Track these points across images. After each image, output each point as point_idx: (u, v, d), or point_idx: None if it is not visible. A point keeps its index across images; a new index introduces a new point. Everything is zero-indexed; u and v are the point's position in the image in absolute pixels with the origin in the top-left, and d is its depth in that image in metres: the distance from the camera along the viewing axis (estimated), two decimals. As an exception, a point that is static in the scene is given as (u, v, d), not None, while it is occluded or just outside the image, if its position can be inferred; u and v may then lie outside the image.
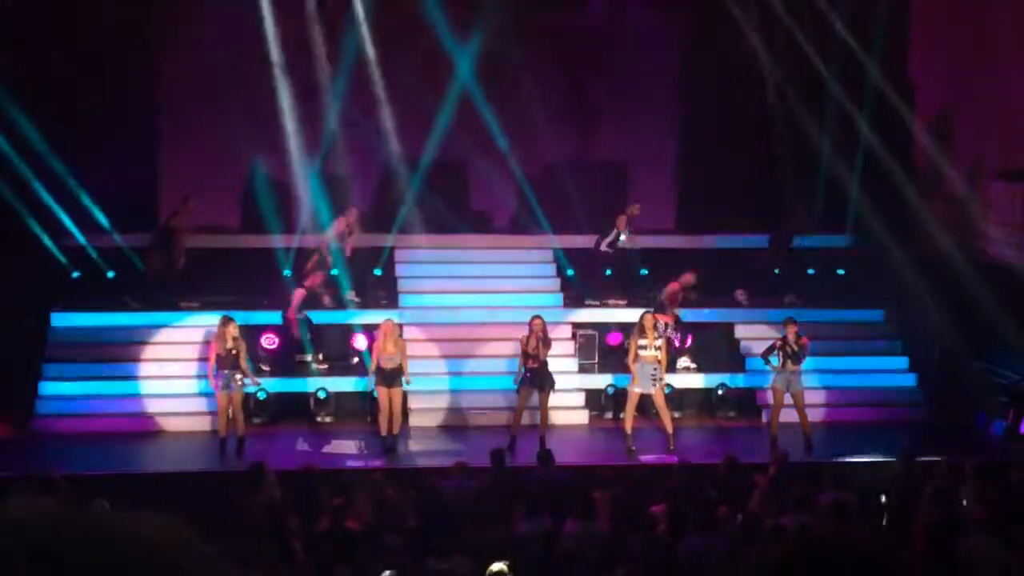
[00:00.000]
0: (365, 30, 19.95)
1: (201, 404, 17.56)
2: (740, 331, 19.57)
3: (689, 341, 18.83)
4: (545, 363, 16.77)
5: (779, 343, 16.89)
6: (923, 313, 18.94)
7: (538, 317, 16.87)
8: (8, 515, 1.43)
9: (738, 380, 18.74)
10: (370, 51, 20.01)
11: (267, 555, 10.61)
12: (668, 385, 17.40)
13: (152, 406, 17.75)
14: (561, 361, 18.26)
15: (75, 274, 19.07)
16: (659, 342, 16.63)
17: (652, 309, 17.61)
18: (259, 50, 19.79)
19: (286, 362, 18.36)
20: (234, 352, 16.18)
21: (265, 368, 17.90)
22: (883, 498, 13.76)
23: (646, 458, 16.33)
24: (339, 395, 18.02)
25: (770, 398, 17.24)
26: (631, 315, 18.13)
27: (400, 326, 17.61)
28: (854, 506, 12.48)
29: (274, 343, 18.30)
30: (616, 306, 19.47)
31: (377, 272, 19.80)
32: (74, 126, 19.14)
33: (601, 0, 21.68)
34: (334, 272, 19.05)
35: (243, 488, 13.06)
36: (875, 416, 18.38)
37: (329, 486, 13.19)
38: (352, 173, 20.56)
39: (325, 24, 20.00)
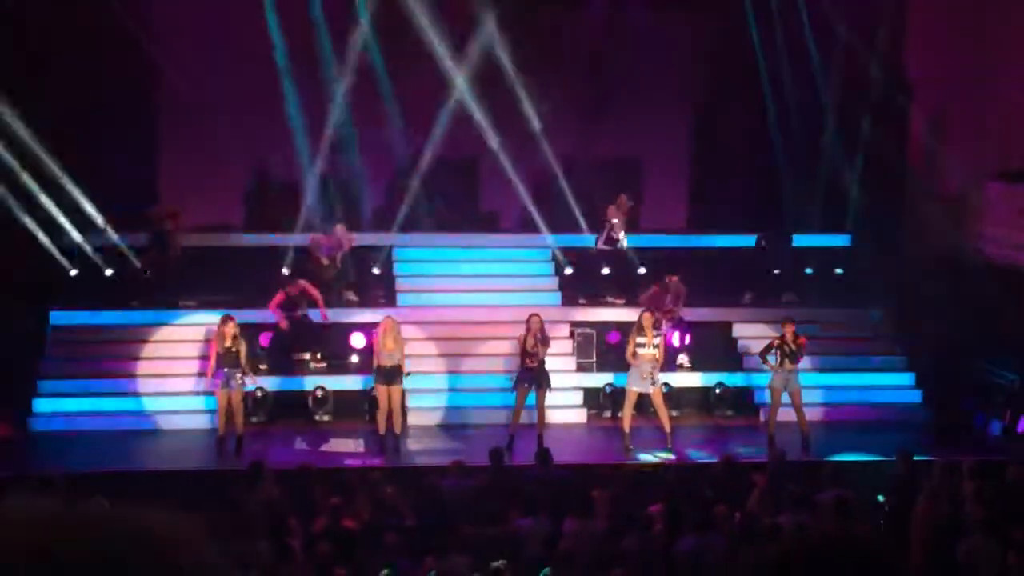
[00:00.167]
0: (367, 30, 19.95)
1: (200, 402, 17.55)
2: (738, 330, 19.58)
3: (688, 339, 18.83)
4: (543, 362, 16.78)
5: (777, 342, 16.90)
6: (921, 313, 18.94)
7: (536, 315, 16.87)
8: (8, 515, 1.43)
9: (736, 379, 18.75)
10: (372, 51, 20.00)
11: (265, 554, 10.61)
12: (666, 384, 17.42)
13: (151, 404, 17.75)
14: (559, 360, 18.27)
15: (73, 272, 19.06)
16: (658, 340, 16.63)
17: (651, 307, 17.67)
18: (259, 50, 19.76)
19: (284, 361, 18.35)
20: (234, 351, 16.18)
21: (262, 366, 17.88)
22: (880, 498, 13.78)
23: (644, 457, 16.34)
24: (337, 394, 18.01)
25: (768, 397, 17.25)
26: (630, 314, 18.15)
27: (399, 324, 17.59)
28: (854, 503, 12.50)
29: (269, 341, 18.30)
30: (614, 305, 19.47)
31: (375, 271, 19.79)
32: (73, 125, 19.12)
33: None
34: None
35: (242, 487, 13.08)
36: (873, 415, 18.38)
37: (327, 485, 13.18)
38: (352, 173, 20.55)
39: (328, 23, 20.00)
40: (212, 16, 20.02)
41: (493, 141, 20.03)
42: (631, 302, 19.04)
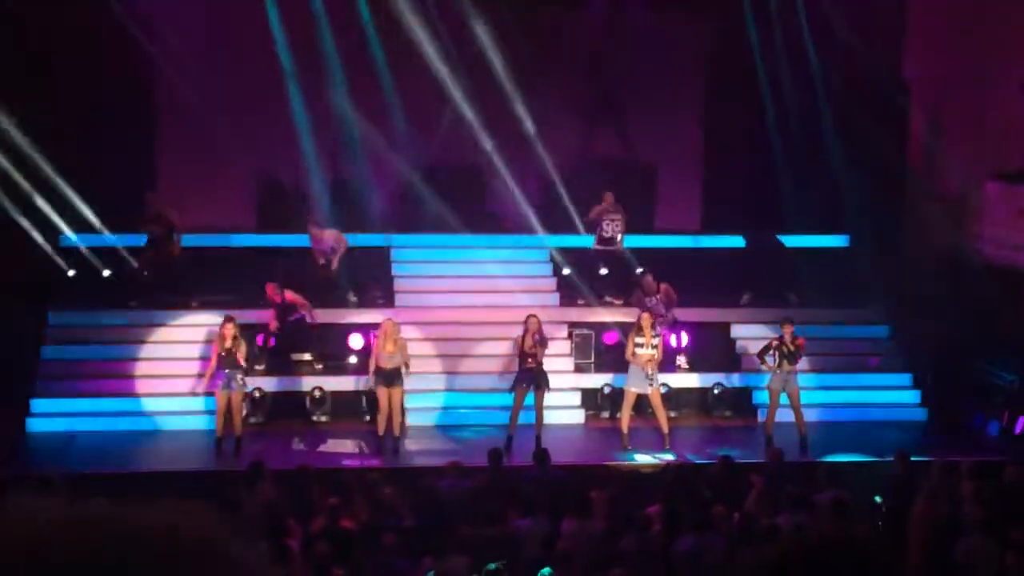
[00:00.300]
0: (369, 30, 19.96)
1: (199, 403, 17.54)
2: (736, 331, 19.59)
3: (686, 341, 18.83)
4: (541, 362, 16.78)
5: (775, 343, 16.90)
6: (920, 313, 18.94)
7: (534, 316, 16.88)
8: (9, 515, 1.43)
9: (734, 380, 18.76)
10: (373, 51, 20.01)
11: (264, 555, 10.59)
12: (664, 385, 17.42)
13: (149, 405, 17.74)
14: (557, 361, 18.27)
15: (71, 273, 19.06)
16: (656, 341, 16.65)
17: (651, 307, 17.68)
18: (259, 50, 19.76)
19: (282, 361, 18.35)
20: (234, 352, 16.18)
21: (259, 367, 17.87)
22: (878, 498, 13.79)
23: (642, 458, 16.35)
24: (335, 394, 18.01)
25: (766, 398, 17.26)
26: (628, 315, 18.18)
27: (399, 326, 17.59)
28: (852, 504, 12.51)
29: (270, 341, 18.29)
30: (613, 305, 19.47)
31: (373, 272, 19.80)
32: (73, 125, 19.12)
33: None
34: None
35: (241, 487, 13.08)
36: (871, 416, 18.39)
37: (325, 485, 13.18)
38: (351, 172, 20.55)
39: (329, 22, 20.00)
40: (212, 16, 20.01)
41: (492, 141, 20.02)
42: (628, 303, 19.05)
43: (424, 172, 20.32)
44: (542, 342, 16.73)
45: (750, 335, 19.18)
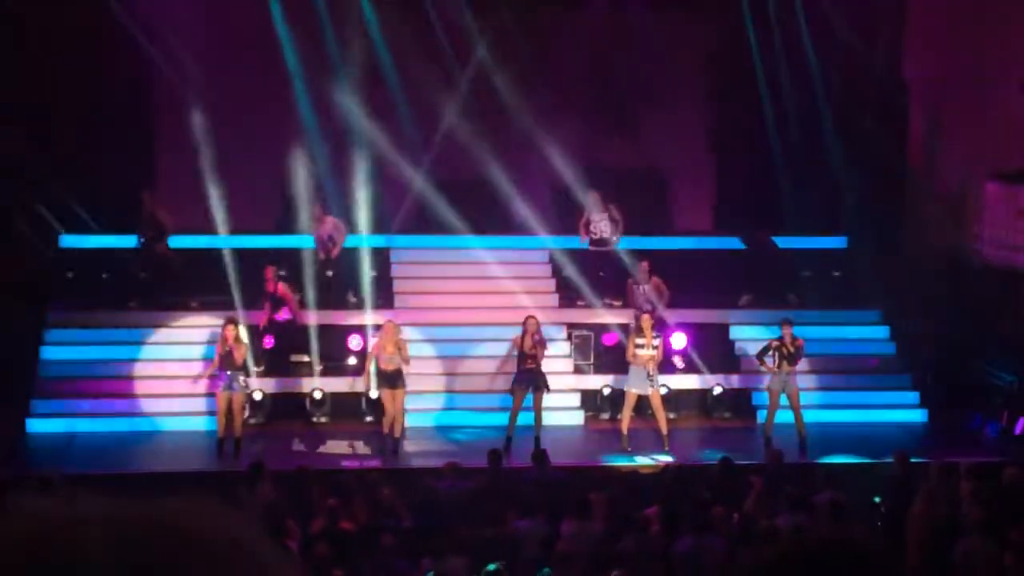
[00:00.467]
0: (372, 32, 19.97)
1: (199, 404, 17.53)
2: (736, 332, 19.58)
3: (686, 341, 18.81)
4: (540, 363, 16.78)
5: (775, 344, 16.90)
6: (919, 313, 18.95)
7: (532, 317, 16.88)
8: (11, 514, 1.43)
9: (733, 381, 18.75)
10: (374, 49, 20.02)
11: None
12: (664, 386, 17.41)
13: (149, 406, 17.73)
14: (556, 362, 18.26)
15: (70, 274, 19.05)
16: (656, 342, 16.65)
17: (651, 308, 17.69)
18: (259, 50, 19.76)
19: (282, 362, 18.34)
20: (235, 354, 16.17)
21: (257, 368, 17.86)
22: (877, 499, 13.79)
23: (641, 459, 16.35)
24: (335, 395, 18.00)
25: (766, 399, 17.25)
26: (628, 316, 18.18)
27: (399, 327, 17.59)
28: (850, 505, 12.52)
29: (271, 343, 18.28)
30: (612, 306, 19.45)
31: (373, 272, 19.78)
32: (72, 125, 19.12)
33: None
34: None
35: (241, 488, 13.07)
36: (870, 417, 18.38)
37: (324, 486, 13.19)
38: (351, 173, 20.53)
39: (330, 22, 20.01)
40: (212, 16, 20.00)
41: (492, 142, 20.02)
42: (625, 303, 19.04)
43: (424, 172, 20.29)
44: (541, 343, 16.73)
45: (749, 336, 19.16)
